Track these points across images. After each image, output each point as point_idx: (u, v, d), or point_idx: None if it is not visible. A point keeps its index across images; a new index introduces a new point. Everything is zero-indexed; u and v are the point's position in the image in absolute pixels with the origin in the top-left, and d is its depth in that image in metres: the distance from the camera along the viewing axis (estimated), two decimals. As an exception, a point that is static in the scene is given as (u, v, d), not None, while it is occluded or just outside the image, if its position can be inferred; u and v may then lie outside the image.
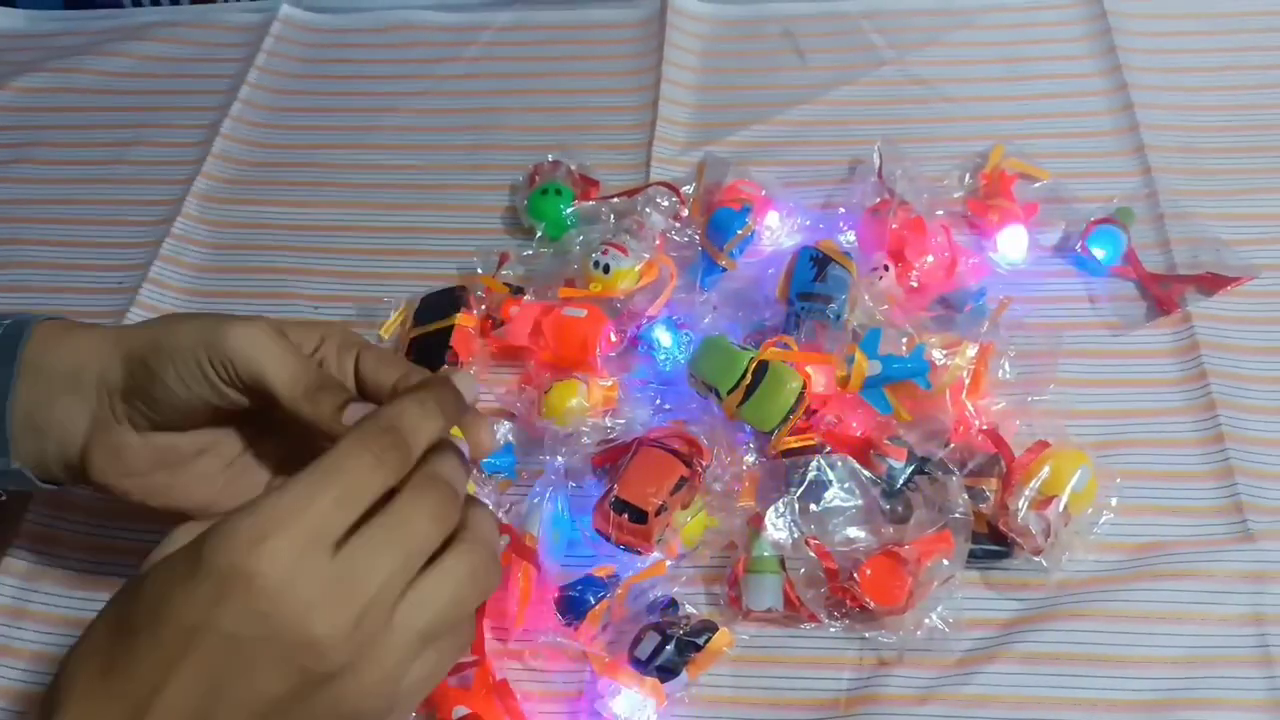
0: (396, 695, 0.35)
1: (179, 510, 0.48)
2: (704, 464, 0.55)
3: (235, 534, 0.32)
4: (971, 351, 0.57)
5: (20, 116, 0.84)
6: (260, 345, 0.43)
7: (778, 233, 0.69)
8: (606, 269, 0.64)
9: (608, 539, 0.53)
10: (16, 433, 0.47)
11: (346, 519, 0.34)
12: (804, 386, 0.55)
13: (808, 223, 0.69)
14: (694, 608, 0.53)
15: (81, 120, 0.84)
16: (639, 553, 0.53)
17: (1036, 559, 0.53)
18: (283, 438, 0.48)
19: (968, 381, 0.57)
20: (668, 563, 0.54)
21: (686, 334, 0.62)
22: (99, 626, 0.34)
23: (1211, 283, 0.64)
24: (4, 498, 0.50)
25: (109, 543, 0.59)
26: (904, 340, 0.57)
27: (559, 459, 0.57)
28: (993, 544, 0.54)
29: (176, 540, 0.35)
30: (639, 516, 0.52)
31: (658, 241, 0.67)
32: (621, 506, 0.53)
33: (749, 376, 0.55)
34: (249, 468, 0.48)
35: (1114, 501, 0.55)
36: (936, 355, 0.57)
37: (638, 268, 0.65)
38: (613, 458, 0.57)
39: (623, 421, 0.59)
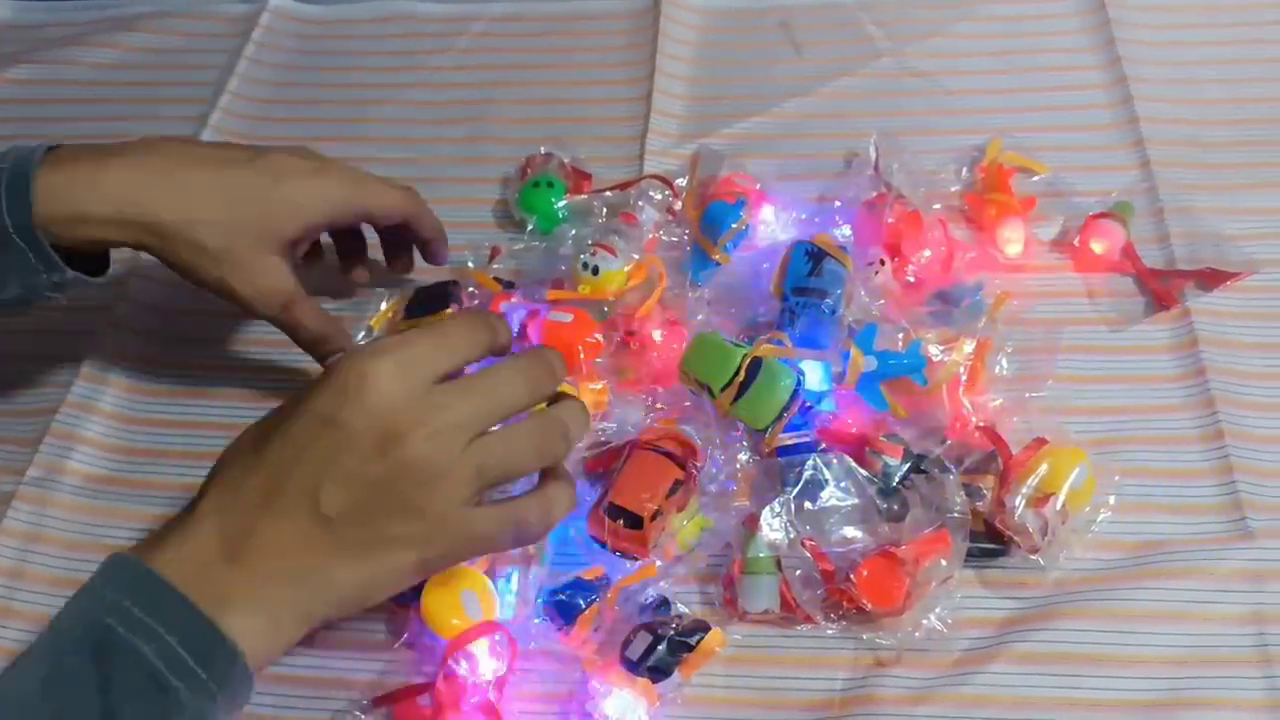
0: (457, 523, 0.43)
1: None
2: (698, 465, 0.54)
3: (360, 355, 0.42)
4: (969, 347, 0.56)
5: (6, 109, 0.83)
6: (268, 295, 0.57)
7: (772, 226, 0.68)
8: (595, 270, 0.63)
9: (603, 545, 0.53)
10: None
11: (443, 363, 0.43)
12: (798, 383, 0.54)
13: (803, 216, 0.68)
14: (688, 607, 0.53)
15: (68, 112, 0.83)
16: (635, 558, 0.52)
17: (1034, 557, 0.52)
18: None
19: (965, 377, 0.56)
20: (659, 563, 0.53)
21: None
22: (260, 423, 0.44)
23: (1211, 278, 0.64)
24: (61, 299, 0.56)
25: (108, 507, 0.60)
26: (900, 336, 0.56)
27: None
28: (990, 542, 0.53)
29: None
30: (634, 522, 0.52)
31: (648, 239, 0.66)
32: (616, 512, 0.52)
33: (742, 373, 0.54)
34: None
35: (1112, 499, 0.54)
36: (933, 351, 0.56)
37: (626, 269, 0.64)
38: (606, 462, 0.56)
39: (613, 426, 0.58)
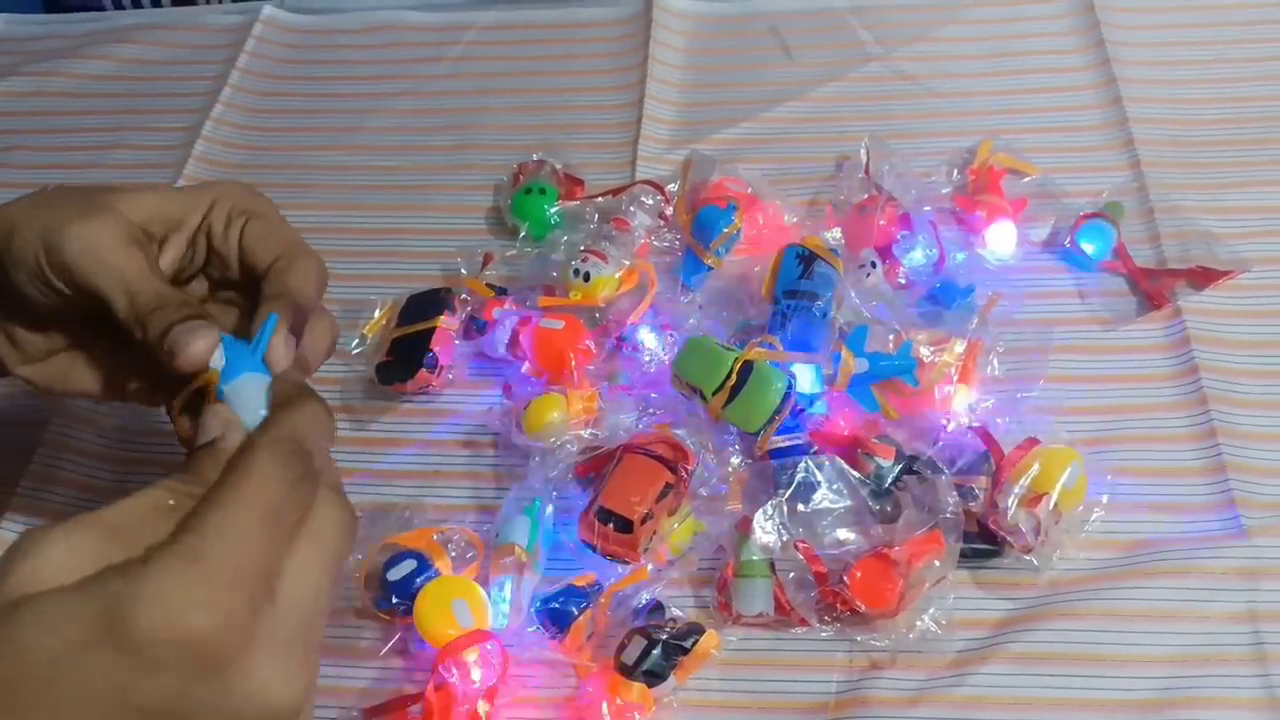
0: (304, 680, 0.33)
1: (81, 395, 0.46)
2: (689, 468, 0.54)
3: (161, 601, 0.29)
4: (960, 348, 0.56)
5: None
6: (99, 253, 0.40)
7: (763, 231, 0.68)
8: (587, 277, 0.63)
9: (594, 550, 0.52)
10: None
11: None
12: (789, 386, 0.54)
13: (794, 220, 0.68)
14: (681, 611, 0.53)
15: (61, 124, 0.83)
16: (626, 562, 0.52)
17: (1027, 558, 0.52)
18: None
19: (956, 378, 0.56)
20: (650, 567, 0.53)
21: (671, 334, 0.61)
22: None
23: (1202, 277, 0.64)
24: None
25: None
26: (891, 337, 0.56)
27: (542, 469, 0.56)
28: (983, 543, 0.53)
29: (42, 554, 0.30)
30: (624, 526, 0.52)
31: (640, 244, 0.67)
32: (606, 516, 0.52)
33: (734, 377, 0.54)
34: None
35: (1105, 498, 0.54)
36: (924, 352, 0.56)
37: (618, 275, 0.64)
38: (596, 466, 0.56)
39: (605, 433, 0.58)
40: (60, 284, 0.41)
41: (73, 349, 0.46)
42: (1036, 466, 0.52)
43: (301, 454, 0.34)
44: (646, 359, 0.61)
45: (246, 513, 0.31)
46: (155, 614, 0.29)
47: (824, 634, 0.52)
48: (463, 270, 0.67)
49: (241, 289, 0.45)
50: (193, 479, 0.34)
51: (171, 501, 0.33)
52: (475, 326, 0.64)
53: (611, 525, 0.51)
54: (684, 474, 0.54)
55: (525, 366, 0.62)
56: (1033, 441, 0.54)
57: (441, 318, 0.63)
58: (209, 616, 0.30)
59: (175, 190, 0.44)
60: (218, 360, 0.37)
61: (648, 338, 0.61)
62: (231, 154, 0.79)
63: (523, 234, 0.69)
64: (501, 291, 0.65)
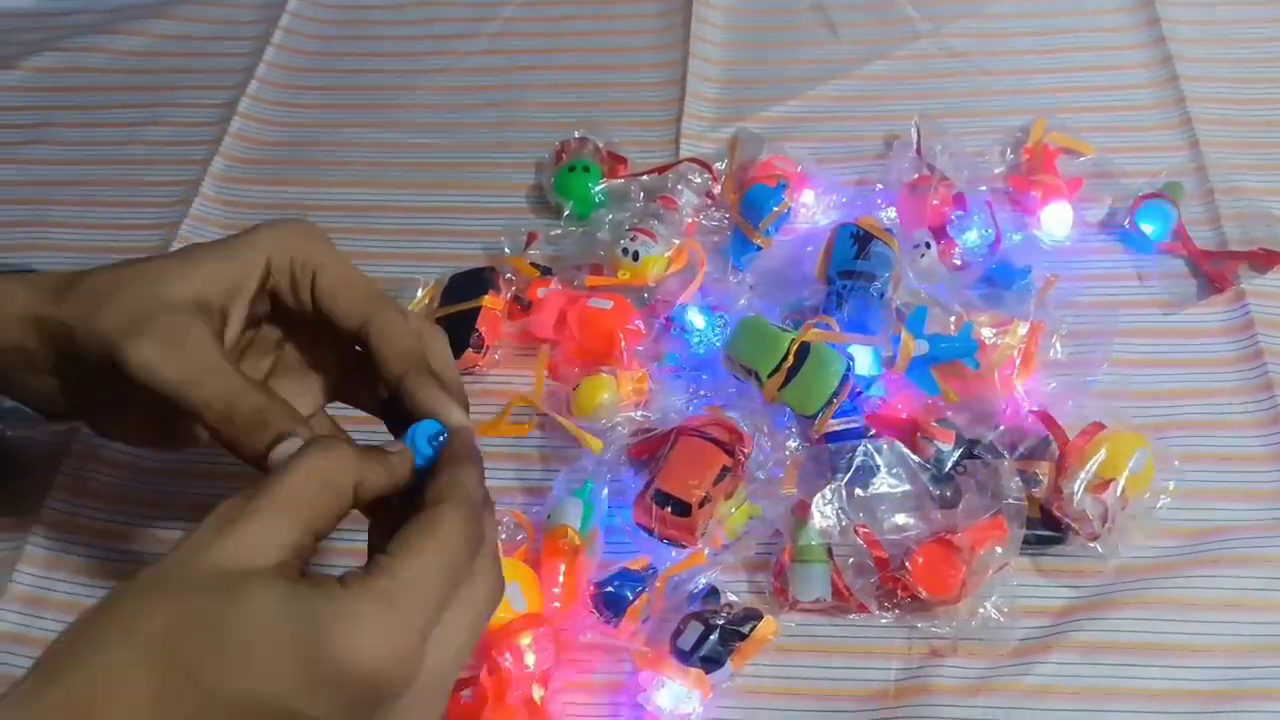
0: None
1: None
2: (745, 451, 0.53)
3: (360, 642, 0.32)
4: (1023, 330, 0.55)
5: (32, 97, 0.83)
6: (166, 367, 0.38)
7: (813, 210, 0.66)
8: (635, 256, 0.62)
9: (650, 533, 0.52)
10: None
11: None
12: (848, 368, 0.53)
13: (844, 200, 0.67)
14: (736, 596, 0.52)
15: (95, 100, 0.82)
16: (682, 546, 0.51)
17: (1092, 545, 0.51)
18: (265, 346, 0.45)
19: (1018, 361, 0.55)
20: (707, 552, 0.52)
21: (720, 316, 0.60)
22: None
23: (1264, 259, 0.62)
24: (9, 433, 0.47)
25: (129, 529, 0.58)
26: (952, 319, 0.55)
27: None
28: (1046, 529, 0.52)
29: (248, 529, 0.33)
30: (682, 509, 0.51)
31: (687, 224, 0.65)
32: (664, 499, 0.51)
33: (791, 358, 0.53)
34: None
35: (1171, 485, 0.53)
36: (986, 334, 0.55)
37: (667, 254, 0.63)
38: (651, 449, 0.55)
39: (657, 415, 0.57)
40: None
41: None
42: (1103, 452, 0.51)
43: (478, 516, 0.36)
44: (696, 341, 0.60)
45: (435, 569, 0.34)
46: (347, 639, 0.32)
47: (883, 620, 0.51)
48: (506, 249, 0.66)
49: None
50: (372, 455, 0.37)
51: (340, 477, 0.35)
52: (520, 306, 0.63)
53: (669, 509, 0.51)
54: (740, 457, 0.53)
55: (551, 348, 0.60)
56: (1098, 426, 0.52)
57: (486, 297, 0.62)
58: (389, 654, 0.32)
59: (225, 249, 0.42)
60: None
61: (696, 319, 0.60)
62: (270, 131, 0.78)
63: (566, 212, 0.68)
64: (546, 271, 0.64)
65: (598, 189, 0.68)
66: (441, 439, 0.39)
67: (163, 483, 0.59)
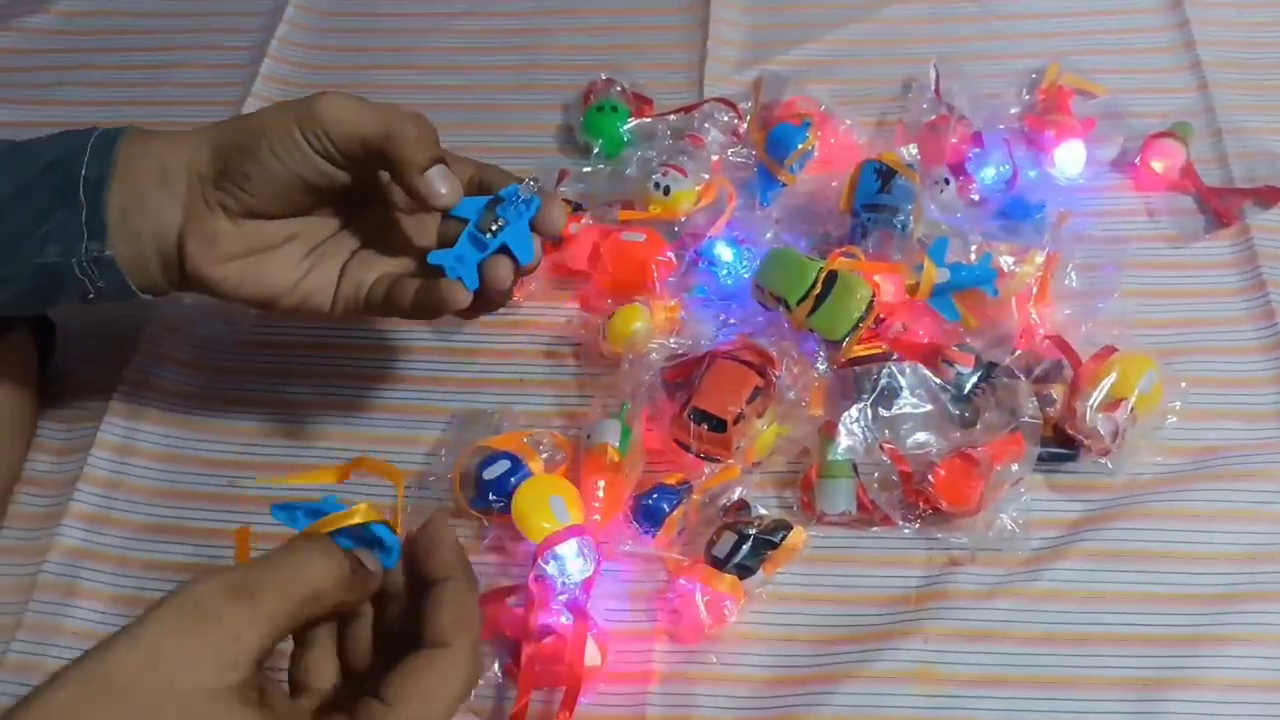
0: None
1: (262, 299, 0.51)
2: (776, 374, 0.56)
3: None
4: (1040, 259, 0.57)
5: (61, 40, 0.84)
6: (350, 109, 0.48)
7: (837, 147, 0.68)
8: (667, 190, 0.64)
9: (687, 449, 0.54)
10: (113, 229, 0.48)
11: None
12: (873, 295, 0.56)
13: (865, 140, 0.69)
14: (765, 511, 0.55)
15: (125, 43, 0.83)
16: (717, 460, 0.54)
17: (1103, 460, 0.54)
18: (360, 226, 0.53)
19: (1035, 289, 0.57)
20: (740, 467, 0.55)
21: (748, 249, 0.62)
22: None
23: (1269, 195, 0.65)
24: (92, 296, 0.50)
25: (160, 523, 0.58)
26: (972, 248, 0.58)
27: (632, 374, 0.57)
28: (1059, 447, 0.55)
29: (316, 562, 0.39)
30: (718, 426, 0.53)
31: (714, 161, 0.67)
32: (700, 417, 0.54)
33: (819, 286, 0.56)
34: (327, 254, 0.52)
35: (1177, 406, 0.56)
36: (1005, 262, 0.57)
37: (697, 189, 0.65)
38: (685, 371, 0.57)
39: (689, 341, 0.59)
40: (314, 148, 0.48)
41: (264, 253, 0.51)
42: (1115, 373, 0.54)
43: (479, 654, 0.41)
44: (724, 273, 0.62)
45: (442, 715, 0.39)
46: None
47: (905, 532, 0.54)
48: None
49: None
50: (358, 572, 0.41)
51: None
52: (553, 240, 0.65)
53: (706, 426, 0.53)
54: (771, 378, 0.55)
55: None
56: (1111, 349, 0.55)
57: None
58: None
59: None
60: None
61: (725, 252, 0.62)
62: (300, 74, 0.80)
63: (595, 151, 0.70)
64: (578, 207, 0.67)
65: (626, 128, 0.70)
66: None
67: (220, 378, 0.63)
